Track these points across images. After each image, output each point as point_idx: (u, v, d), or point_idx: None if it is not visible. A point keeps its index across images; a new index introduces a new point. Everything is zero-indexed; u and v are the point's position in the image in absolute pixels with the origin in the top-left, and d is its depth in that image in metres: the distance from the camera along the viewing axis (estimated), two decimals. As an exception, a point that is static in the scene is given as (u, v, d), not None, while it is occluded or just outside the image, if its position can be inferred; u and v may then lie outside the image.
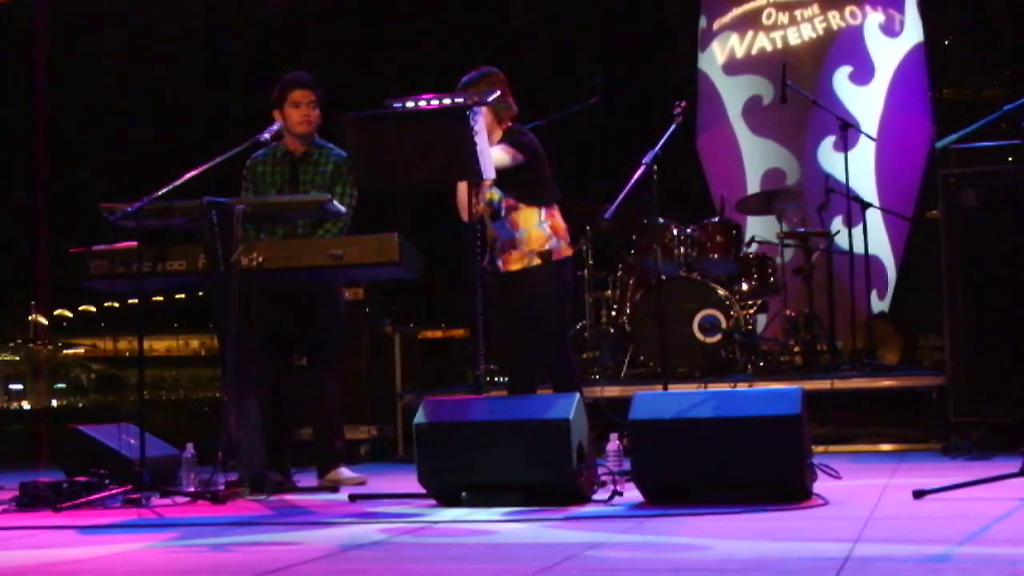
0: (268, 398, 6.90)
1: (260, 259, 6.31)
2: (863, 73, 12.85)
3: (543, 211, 6.98)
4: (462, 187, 6.86)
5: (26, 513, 6.02)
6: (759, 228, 11.76)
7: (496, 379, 9.30)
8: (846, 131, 10.62)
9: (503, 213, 6.85)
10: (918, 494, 5.35)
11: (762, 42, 13.37)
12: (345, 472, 7.13)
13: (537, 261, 6.93)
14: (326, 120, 7.22)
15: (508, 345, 7.14)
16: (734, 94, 13.52)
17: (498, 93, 6.44)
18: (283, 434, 7.14)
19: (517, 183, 6.88)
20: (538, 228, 6.95)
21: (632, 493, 5.71)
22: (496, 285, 6.98)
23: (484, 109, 6.76)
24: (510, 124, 7.01)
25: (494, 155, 6.60)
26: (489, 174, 6.37)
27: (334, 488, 6.89)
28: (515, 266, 6.94)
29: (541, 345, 7.02)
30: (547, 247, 6.95)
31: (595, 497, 5.76)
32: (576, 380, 6.96)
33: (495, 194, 6.83)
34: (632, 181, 6.78)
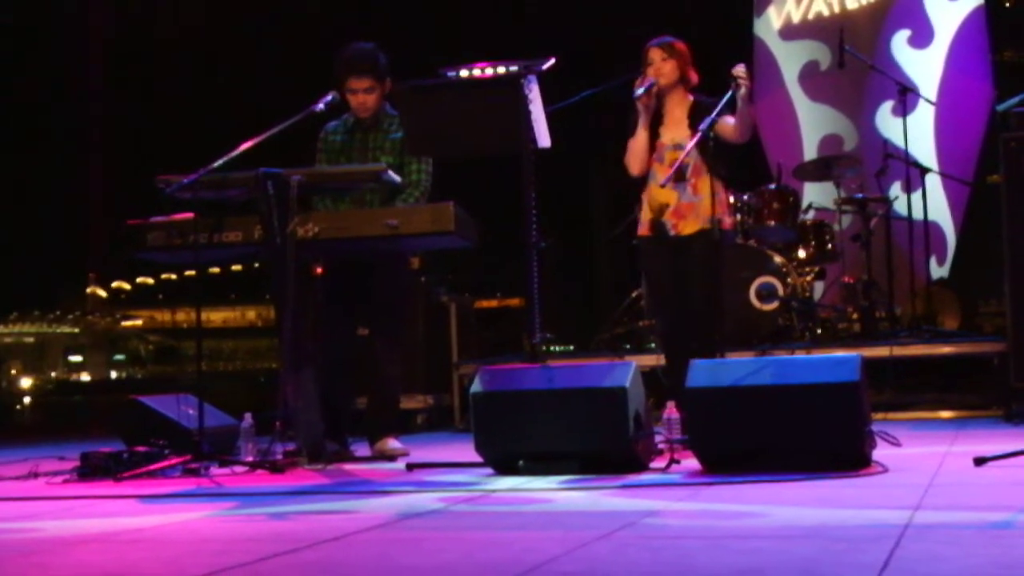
0: (329, 368, 6.93)
1: (316, 230, 6.31)
2: (922, 37, 12.72)
3: (718, 183, 7.04)
4: (640, 141, 7.02)
5: (87, 483, 6.06)
6: (816, 194, 11.67)
7: (553, 348, 9.29)
8: (905, 95, 10.54)
9: (688, 176, 6.89)
10: (979, 461, 5.31)
11: (819, 6, 13.27)
12: (391, 443, 7.13)
13: (709, 227, 6.98)
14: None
15: (671, 309, 7.16)
16: (791, 59, 13.44)
17: (552, 61, 6.41)
18: (342, 404, 7.16)
19: (713, 152, 6.95)
20: (714, 198, 7.01)
21: (689, 461, 5.70)
22: (657, 251, 7.07)
23: (673, 68, 6.94)
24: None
25: (752, 123, 7.03)
26: (543, 143, 6.36)
27: (391, 457, 6.91)
28: (689, 230, 6.99)
29: (697, 308, 7.05)
30: (719, 216, 7.00)
31: (652, 465, 5.75)
32: (717, 349, 6.99)
33: (688, 157, 6.88)
34: (688, 148, 6.75)
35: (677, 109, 7.07)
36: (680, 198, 6.99)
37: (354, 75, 7.12)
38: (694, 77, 7.10)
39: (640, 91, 6.92)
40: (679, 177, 6.94)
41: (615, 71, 7.43)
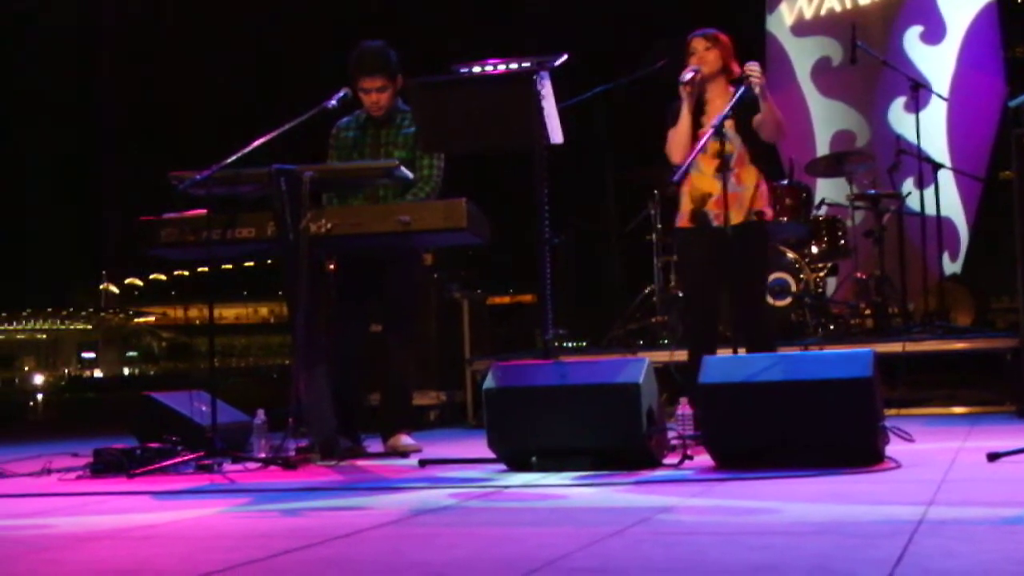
0: (342, 364, 6.94)
1: (329, 226, 6.31)
2: (934, 32, 12.71)
3: (760, 175, 7.05)
4: (683, 129, 6.95)
5: (100, 479, 6.07)
6: (829, 190, 11.68)
7: (566, 344, 9.27)
8: (917, 91, 10.51)
9: (732, 166, 6.87)
10: (992, 457, 5.31)
11: (831, 2, 13.27)
12: (404, 439, 7.13)
13: (753, 219, 6.97)
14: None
15: (702, 300, 7.13)
16: (803, 55, 13.44)
17: (564, 57, 6.40)
18: (355, 400, 7.16)
19: (755, 143, 6.97)
20: (756, 189, 7.01)
21: (702, 457, 5.70)
22: (698, 241, 7.01)
23: (716, 57, 6.94)
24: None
25: (776, 119, 6.90)
26: (556, 139, 6.35)
27: (404, 453, 6.91)
28: (732, 220, 6.91)
29: (745, 300, 7.03)
30: (762, 208, 7.01)
31: (665, 461, 5.75)
32: (772, 339, 6.98)
33: (729, 146, 6.86)
34: (700, 144, 6.73)
35: (719, 100, 7.00)
36: (724, 188, 6.95)
37: (366, 75, 7.11)
38: (736, 68, 7.02)
39: (687, 76, 6.87)
40: (724, 167, 6.92)
41: (628, 68, 7.42)
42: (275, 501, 5.02)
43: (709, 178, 6.94)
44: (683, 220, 7.10)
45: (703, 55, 6.97)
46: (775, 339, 7.14)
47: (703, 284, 7.08)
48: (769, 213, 7.12)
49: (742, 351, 6.72)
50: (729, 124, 6.90)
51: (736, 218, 6.90)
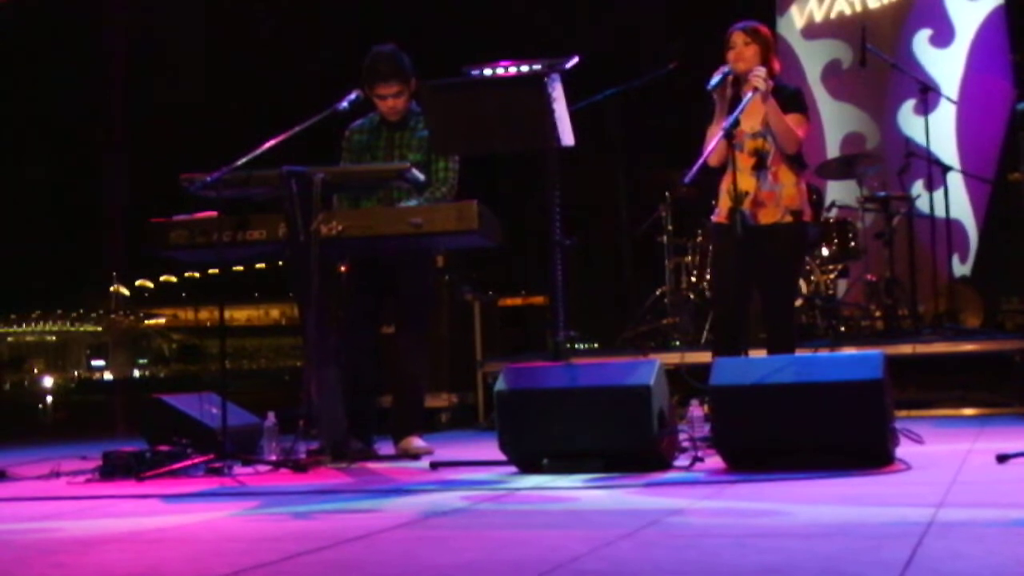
0: (353, 366, 6.93)
1: (340, 228, 6.31)
2: (943, 36, 12.73)
3: (798, 173, 7.01)
4: (715, 133, 6.83)
5: (109, 482, 6.07)
6: (839, 193, 11.68)
7: (576, 346, 9.26)
8: (926, 94, 10.53)
9: (768, 164, 6.84)
10: (1002, 458, 5.32)
11: (841, 6, 13.28)
12: (416, 442, 7.12)
13: (789, 218, 6.92)
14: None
15: (733, 299, 7.05)
16: (813, 58, 13.45)
17: (576, 60, 6.39)
18: (366, 402, 7.16)
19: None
20: (795, 187, 6.96)
21: (713, 459, 5.70)
22: (731, 238, 6.83)
23: (755, 53, 6.88)
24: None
25: (792, 126, 6.82)
26: (567, 141, 6.35)
27: (415, 456, 6.91)
28: (767, 220, 6.90)
29: (773, 300, 7.00)
30: (799, 207, 6.95)
31: (676, 463, 5.75)
32: (794, 342, 6.95)
33: (765, 144, 6.83)
34: (711, 146, 6.72)
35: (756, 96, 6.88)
36: (760, 187, 6.89)
37: (381, 81, 7.09)
38: (776, 64, 6.97)
39: (714, 82, 6.78)
40: (759, 166, 6.88)
41: (638, 69, 7.42)
42: (286, 504, 5.02)
43: (747, 176, 6.88)
44: (720, 216, 7.04)
45: (742, 50, 6.88)
46: (796, 343, 7.10)
47: (733, 282, 7.02)
48: (808, 212, 7.06)
49: (755, 353, 6.70)
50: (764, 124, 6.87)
51: (772, 217, 6.87)
